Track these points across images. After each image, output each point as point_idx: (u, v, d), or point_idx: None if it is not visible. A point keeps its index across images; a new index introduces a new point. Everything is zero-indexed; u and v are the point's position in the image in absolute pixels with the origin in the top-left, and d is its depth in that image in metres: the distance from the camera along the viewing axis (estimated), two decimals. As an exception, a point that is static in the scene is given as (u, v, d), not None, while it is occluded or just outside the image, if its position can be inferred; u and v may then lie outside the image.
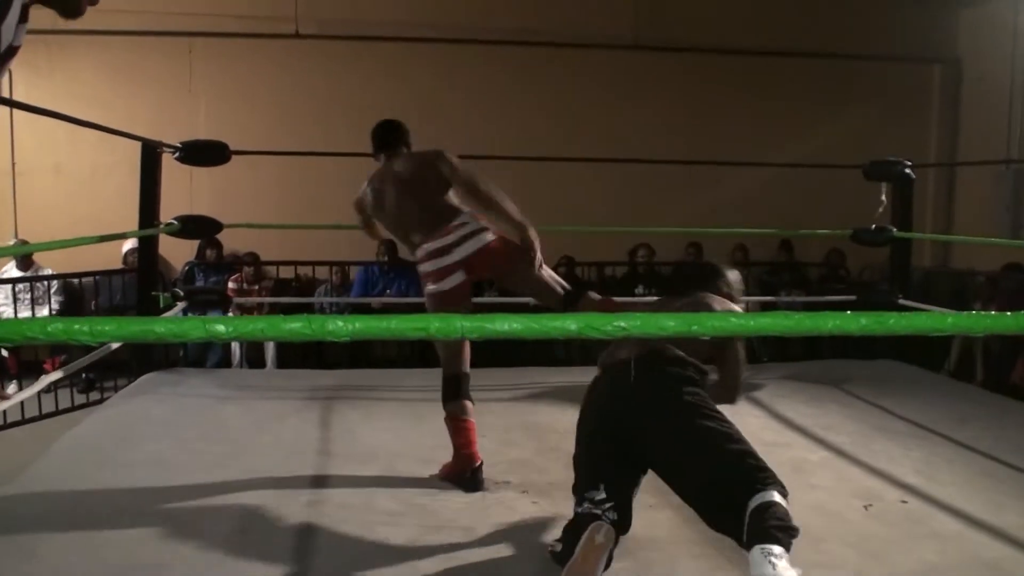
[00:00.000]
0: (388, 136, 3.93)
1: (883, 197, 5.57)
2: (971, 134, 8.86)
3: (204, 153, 5.16)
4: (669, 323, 1.11)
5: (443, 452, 3.99)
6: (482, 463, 3.63)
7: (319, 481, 3.60)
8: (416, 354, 7.59)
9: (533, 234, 3.57)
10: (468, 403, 3.69)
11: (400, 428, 4.37)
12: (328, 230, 7.63)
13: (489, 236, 3.62)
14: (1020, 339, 6.61)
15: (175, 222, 5.07)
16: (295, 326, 1.13)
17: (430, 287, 3.64)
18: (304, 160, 7.63)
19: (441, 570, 2.81)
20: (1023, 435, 4.41)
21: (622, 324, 1.11)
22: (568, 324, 1.15)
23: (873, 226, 5.61)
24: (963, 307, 7.31)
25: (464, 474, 3.59)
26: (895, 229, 5.55)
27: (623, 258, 8.37)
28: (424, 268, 3.64)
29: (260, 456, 3.89)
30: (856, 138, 8.27)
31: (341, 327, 1.14)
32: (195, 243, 7.88)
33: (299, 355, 7.50)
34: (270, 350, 7.64)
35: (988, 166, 8.32)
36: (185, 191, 7.41)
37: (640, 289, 8.05)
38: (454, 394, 3.70)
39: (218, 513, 3.22)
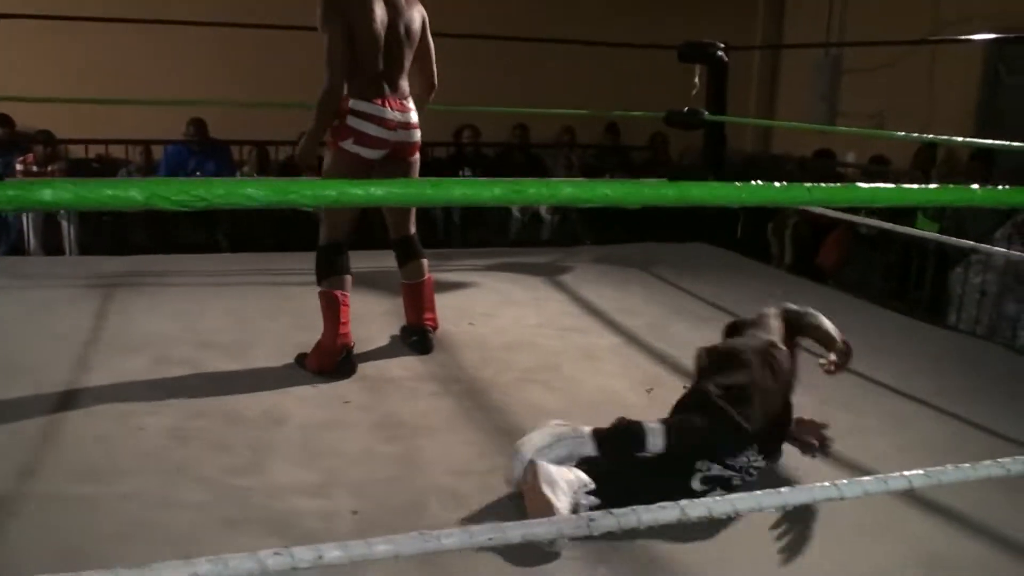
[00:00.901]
0: None
1: (696, 80, 5.53)
2: (796, 20, 8.95)
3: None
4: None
5: (225, 335, 3.80)
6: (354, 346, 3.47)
7: (78, 372, 3.33)
8: (233, 239, 7.19)
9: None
10: (348, 278, 3.47)
11: (182, 314, 4.11)
12: (132, 106, 7.09)
13: (419, 134, 3.51)
14: (825, 224, 6.82)
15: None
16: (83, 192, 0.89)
17: (350, 144, 3.33)
18: (109, 30, 7.00)
19: (199, 459, 2.64)
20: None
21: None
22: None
23: (686, 109, 5.57)
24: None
25: (337, 358, 3.39)
26: (707, 112, 5.53)
27: (448, 139, 8.14)
28: (354, 124, 3.32)
29: (19, 347, 3.58)
30: (684, 19, 8.21)
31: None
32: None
33: (99, 240, 7.00)
34: (71, 236, 7.11)
35: (809, 55, 8.44)
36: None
37: (466, 171, 7.88)
38: (331, 266, 3.44)
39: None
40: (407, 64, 3.45)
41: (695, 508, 1.14)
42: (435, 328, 3.79)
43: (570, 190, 0.99)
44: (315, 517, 2.31)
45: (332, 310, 3.40)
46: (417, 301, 3.73)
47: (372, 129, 3.33)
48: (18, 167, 6.96)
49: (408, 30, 3.40)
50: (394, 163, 3.45)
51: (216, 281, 4.82)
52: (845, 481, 1.38)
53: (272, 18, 6.11)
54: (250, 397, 3.16)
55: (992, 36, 6.25)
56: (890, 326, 4.50)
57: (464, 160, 8.07)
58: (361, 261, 5.40)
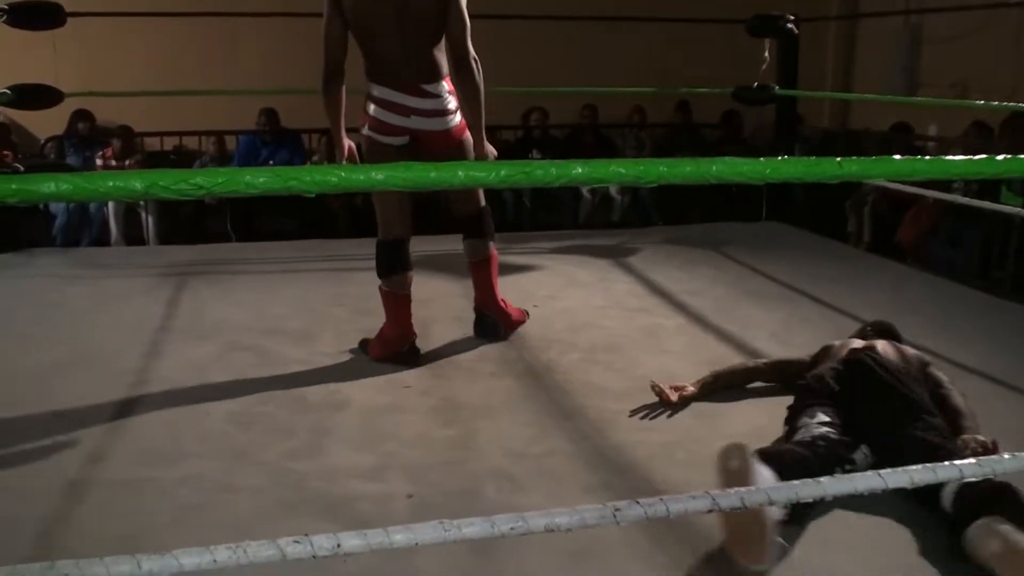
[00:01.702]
0: None
1: (766, 54, 5.39)
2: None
3: (34, 15, 4.71)
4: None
5: (292, 322, 3.86)
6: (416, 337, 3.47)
7: (149, 358, 3.42)
8: (308, 226, 7.29)
9: (490, 150, 3.46)
10: (408, 274, 3.42)
11: (252, 302, 4.18)
12: (204, 96, 7.23)
13: (454, 121, 3.30)
14: (906, 201, 6.60)
15: (8, 91, 4.65)
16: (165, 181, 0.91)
17: (366, 129, 3.31)
18: (175, 24, 7.17)
19: (261, 443, 2.68)
20: (886, 292, 4.42)
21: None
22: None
23: (756, 84, 5.44)
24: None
25: (400, 349, 3.40)
26: (777, 87, 5.39)
27: (516, 122, 8.11)
28: (369, 109, 3.28)
29: (93, 334, 3.69)
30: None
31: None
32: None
33: (179, 230, 7.17)
34: (149, 227, 7.30)
35: (887, 24, 8.16)
36: (49, 63, 6.88)
37: (535, 154, 7.83)
38: (390, 265, 3.40)
39: (27, 399, 3.03)
40: (428, 45, 3.20)
41: (727, 499, 1.11)
42: (501, 311, 3.67)
43: (580, 170, 0.95)
44: (370, 501, 2.33)
45: (392, 308, 3.41)
46: (477, 280, 3.65)
47: (382, 115, 3.23)
48: (98, 161, 7.17)
49: (418, 8, 3.14)
50: (428, 153, 3.26)
51: (286, 268, 4.89)
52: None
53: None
54: (313, 382, 3.20)
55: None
56: (972, 304, 4.33)
57: (533, 143, 8.02)
58: (431, 245, 5.48)
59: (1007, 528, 1.89)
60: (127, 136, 7.36)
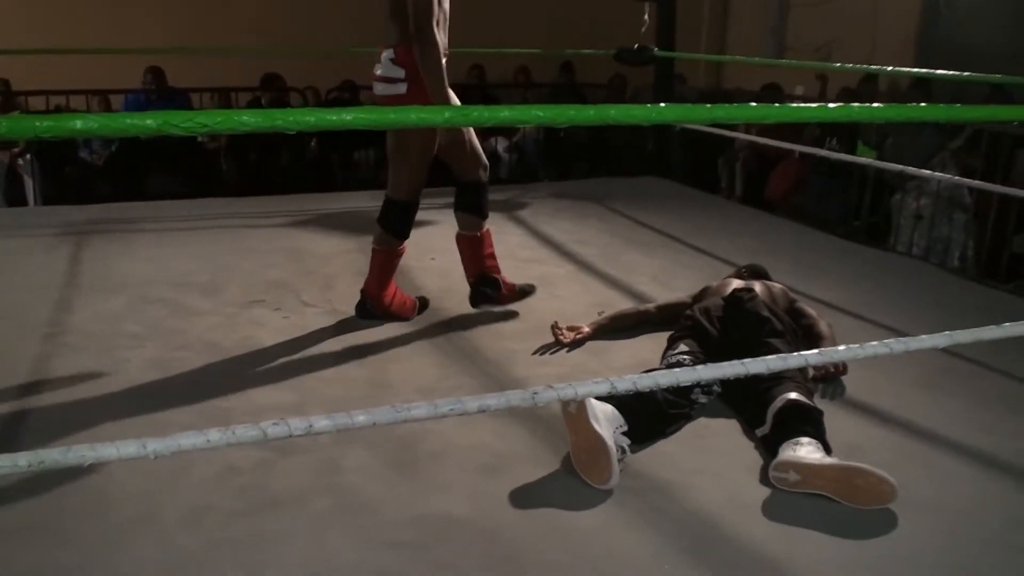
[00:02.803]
0: None
1: (646, 17, 5.69)
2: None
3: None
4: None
5: (199, 275, 3.98)
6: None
7: (61, 312, 3.50)
8: (196, 186, 7.28)
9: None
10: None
11: (157, 258, 4.27)
12: (90, 56, 7.11)
13: (396, 90, 3.18)
14: (775, 157, 7.06)
15: None
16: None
17: None
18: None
19: (184, 385, 2.84)
20: (756, 239, 4.81)
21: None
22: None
23: (636, 46, 5.74)
24: (736, 127, 7.71)
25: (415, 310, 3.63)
26: (656, 49, 5.71)
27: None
28: None
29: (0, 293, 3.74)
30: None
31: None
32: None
33: (64, 191, 7.06)
34: (32, 189, 7.16)
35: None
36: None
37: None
38: (408, 225, 3.53)
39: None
40: (388, 11, 3.19)
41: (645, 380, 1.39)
42: (485, 281, 3.61)
43: (507, 113, 1.18)
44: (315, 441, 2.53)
45: (388, 266, 3.52)
46: (467, 255, 3.65)
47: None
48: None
49: None
50: None
51: (185, 225, 4.96)
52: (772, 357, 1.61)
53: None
54: (227, 329, 3.36)
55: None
56: (830, 250, 4.77)
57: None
58: (326, 203, 5.62)
59: (800, 451, 2.26)
60: (7, 94, 7.18)
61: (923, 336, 1.74)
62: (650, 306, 3.47)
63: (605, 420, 2.31)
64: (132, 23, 7.81)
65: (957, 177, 5.08)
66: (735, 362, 1.58)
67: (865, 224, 5.93)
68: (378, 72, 3.23)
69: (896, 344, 1.60)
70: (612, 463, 2.21)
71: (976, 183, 4.83)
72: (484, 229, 3.60)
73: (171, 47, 7.17)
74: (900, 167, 4.71)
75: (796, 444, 2.30)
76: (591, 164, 8.05)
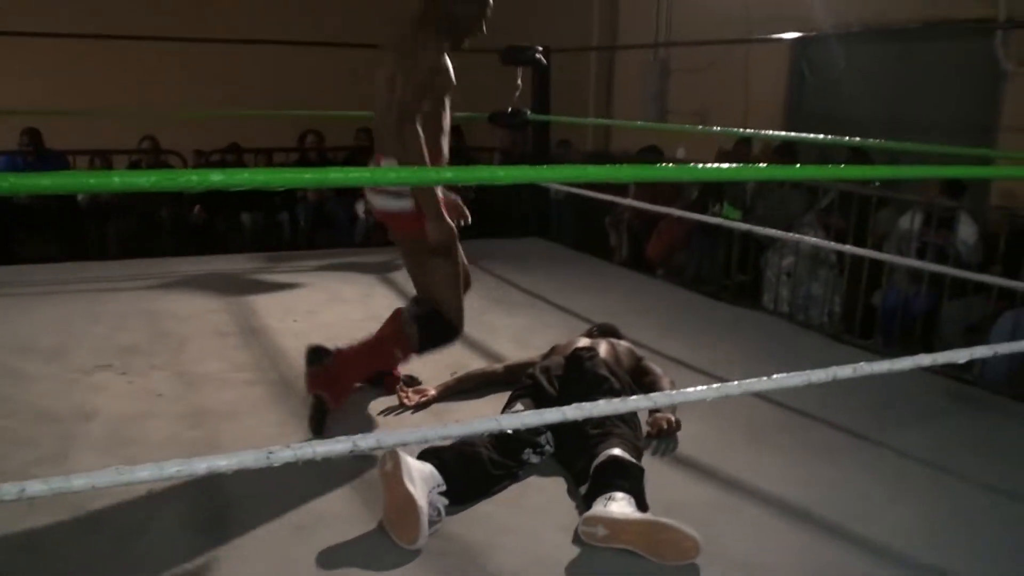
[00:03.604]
0: None
1: (519, 81, 5.80)
2: (630, 23, 9.36)
3: None
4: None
5: (45, 339, 3.88)
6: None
7: None
8: (68, 248, 7.11)
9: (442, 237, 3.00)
10: None
11: (6, 321, 4.14)
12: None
13: (405, 204, 2.97)
14: (657, 219, 7.23)
15: None
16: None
17: None
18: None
19: (4, 448, 2.75)
20: (622, 299, 4.91)
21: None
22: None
23: (509, 109, 5.85)
24: (620, 190, 7.88)
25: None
26: (528, 111, 5.83)
27: (291, 144, 8.25)
28: None
29: None
30: (524, 24, 8.51)
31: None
32: None
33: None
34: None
35: (643, 57, 8.87)
36: None
37: (312, 176, 7.98)
38: (433, 346, 3.21)
39: None
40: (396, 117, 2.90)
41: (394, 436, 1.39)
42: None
43: (219, 177, 1.18)
44: (110, 495, 2.46)
45: (379, 359, 3.21)
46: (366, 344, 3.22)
47: None
48: None
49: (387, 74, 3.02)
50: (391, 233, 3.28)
51: (43, 290, 4.84)
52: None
53: (110, 27, 6.16)
54: (63, 395, 3.27)
55: (796, 35, 6.75)
56: (693, 307, 4.90)
57: (310, 165, 8.17)
58: (197, 265, 5.54)
59: (611, 506, 2.29)
60: None
61: (733, 383, 1.81)
62: (498, 366, 3.50)
63: (420, 479, 2.31)
64: (10, 83, 7.68)
65: (814, 239, 5.26)
66: (534, 412, 1.60)
67: (736, 283, 6.08)
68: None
69: (710, 391, 1.67)
70: (421, 522, 2.20)
71: (834, 246, 4.99)
72: (402, 357, 3.22)
73: (49, 109, 7.05)
74: (764, 229, 4.88)
75: (609, 499, 2.32)
76: (480, 226, 8.11)
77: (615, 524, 2.23)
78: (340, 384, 3.01)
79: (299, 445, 1.36)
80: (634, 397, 1.95)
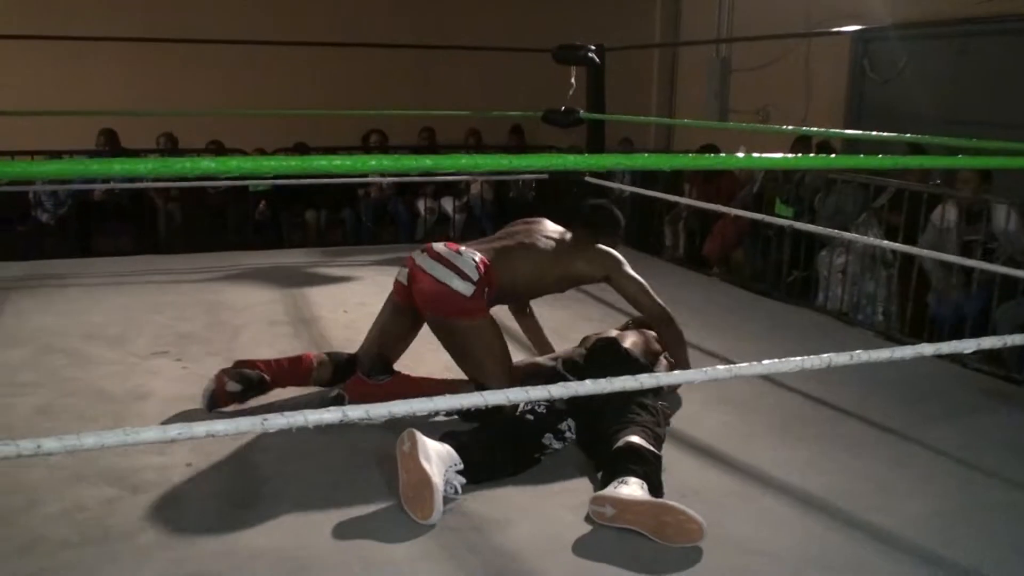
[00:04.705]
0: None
1: (572, 80, 5.89)
2: (690, 22, 9.37)
3: None
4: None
5: (110, 328, 4.09)
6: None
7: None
8: (141, 242, 7.43)
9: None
10: None
11: (73, 312, 4.37)
12: (44, 118, 7.32)
13: (468, 287, 3.04)
14: (713, 216, 7.23)
15: None
16: None
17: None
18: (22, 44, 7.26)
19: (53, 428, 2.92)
20: (671, 296, 4.92)
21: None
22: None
23: (563, 108, 5.92)
24: (678, 188, 7.90)
25: None
26: (581, 110, 5.89)
27: (356, 143, 8.46)
28: None
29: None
30: (589, 22, 8.59)
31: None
32: None
33: (13, 249, 7.19)
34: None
35: (704, 55, 8.87)
36: None
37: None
38: None
39: None
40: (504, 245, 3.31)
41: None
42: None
43: (338, 162, 1.29)
44: (153, 469, 2.63)
45: None
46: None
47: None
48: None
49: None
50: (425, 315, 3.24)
51: (111, 281, 5.08)
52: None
53: (184, 31, 6.43)
54: (122, 378, 3.46)
55: (858, 28, 6.71)
56: (741, 304, 4.93)
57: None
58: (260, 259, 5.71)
59: (621, 489, 2.36)
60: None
61: (744, 364, 1.87)
62: (545, 357, 3.57)
63: (437, 458, 2.41)
64: (89, 84, 8.04)
65: (868, 239, 5.22)
66: (541, 387, 1.67)
67: (789, 281, 6.06)
68: (449, 258, 3.09)
69: (724, 370, 1.74)
70: (435, 500, 2.31)
71: (888, 244, 4.94)
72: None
73: (124, 110, 7.38)
74: (816, 228, 4.87)
75: (621, 482, 2.39)
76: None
77: (622, 504, 2.30)
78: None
79: (291, 414, 1.47)
80: (640, 378, 1.98)
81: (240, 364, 3.15)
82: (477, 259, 3.12)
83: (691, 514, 2.24)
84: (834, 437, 3.03)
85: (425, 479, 2.33)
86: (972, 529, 2.43)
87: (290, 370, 3.19)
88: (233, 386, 3.06)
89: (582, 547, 2.25)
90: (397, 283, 3.28)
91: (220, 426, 1.44)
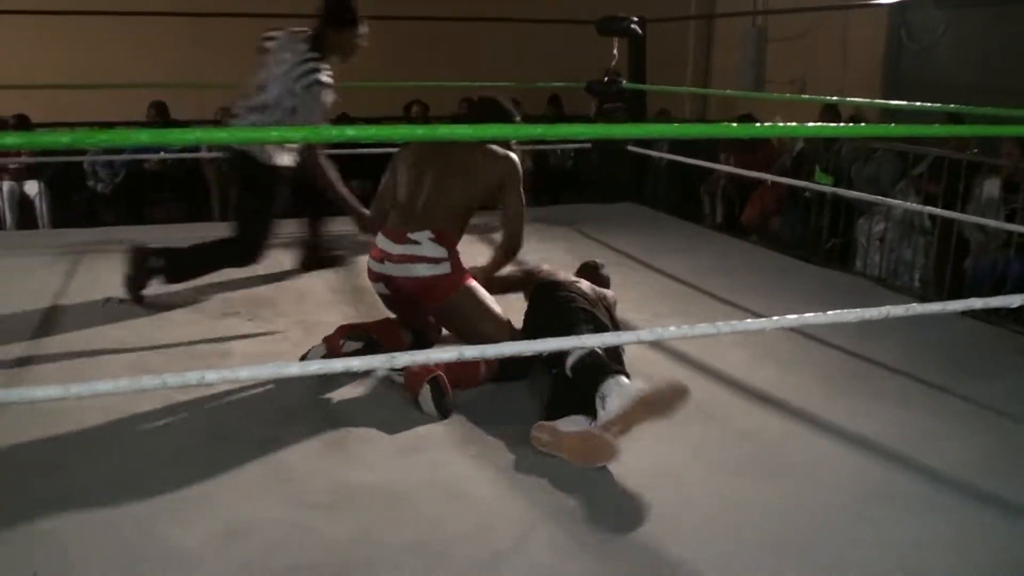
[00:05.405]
0: None
1: (615, 51, 6.03)
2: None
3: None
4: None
5: (197, 291, 4.30)
6: None
7: (53, 314, 3.86)
8: (191, 213, 7.68)
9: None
10: None
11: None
12: (99, 91, 7.54)
13: (444, 268, 3.18)
14: (751, 185, 7.36)
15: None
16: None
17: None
18: (83, 20, 7.46)
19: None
20: (701, 260, 5.10)
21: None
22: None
23: (605, 78, 6.07)
24: (714, 158, 8.02)
25: None
26: (623, 80, 6.04)
27: (398, 113, 8.63)
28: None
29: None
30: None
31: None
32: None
33: (70, 218, 7.47)
34: (42, 213, 7.57)
35: (740, 26, 8.94)
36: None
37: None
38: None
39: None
40: (430, 193, 3.28)
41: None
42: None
43: (351, 132, 1.47)
44: (252, 420, 2.85)
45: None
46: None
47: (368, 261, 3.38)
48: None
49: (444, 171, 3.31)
50: (427, 309, 3.35)
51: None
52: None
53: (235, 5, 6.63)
54: (201, 336, 3.67)
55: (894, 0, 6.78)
56: (778, 267, 5.07)
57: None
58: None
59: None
60: (22, 127, 7.61)
61: (808, 314, 2.06)
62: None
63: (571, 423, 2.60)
64: (139, 58, 8.25)
65: (906, 203, 5.34)
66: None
67: (827, 248, 6.20)
68: (410, 252, 3.18)
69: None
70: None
71: (927, 209, 5.07)
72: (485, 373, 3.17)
73: (174, 81, 7.59)
74: (856, 194, 5.00)
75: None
76: (577, 192, 8.38)
77: (556, 433, 2.56)
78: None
79: (415, 353, 1.67)
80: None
81: (345, 328, 3.27)
82: (432, 235, 3.18)
83: (607, 438, 2.44)
84: (880, 391, 3.19)
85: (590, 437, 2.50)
86: (1017, 469, 2.60)
87: (388, 334, 3.32)
88: (351, 345, 3.18)
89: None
90: (381, 296, 3.40)
91: (356, 363, 1.62)
